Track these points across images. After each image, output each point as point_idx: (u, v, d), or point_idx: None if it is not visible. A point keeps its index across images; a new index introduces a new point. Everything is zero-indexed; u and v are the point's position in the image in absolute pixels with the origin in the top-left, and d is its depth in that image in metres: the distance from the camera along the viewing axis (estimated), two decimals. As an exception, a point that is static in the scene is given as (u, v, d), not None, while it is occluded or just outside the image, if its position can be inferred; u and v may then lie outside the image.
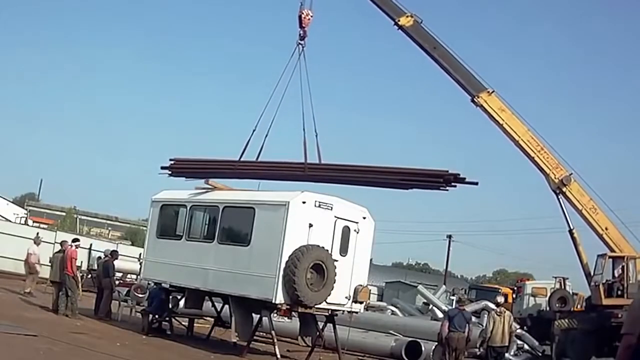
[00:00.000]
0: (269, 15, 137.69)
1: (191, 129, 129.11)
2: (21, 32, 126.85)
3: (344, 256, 14.58)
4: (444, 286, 33.79)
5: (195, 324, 17.72)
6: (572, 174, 23.45)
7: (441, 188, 15.60)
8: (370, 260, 16.15)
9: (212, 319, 17.55)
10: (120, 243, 40.01)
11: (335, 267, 14.02)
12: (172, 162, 19.09)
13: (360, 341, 17.46)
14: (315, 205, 14.10)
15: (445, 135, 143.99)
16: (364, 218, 15.14)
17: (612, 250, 23.06)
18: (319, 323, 15.06)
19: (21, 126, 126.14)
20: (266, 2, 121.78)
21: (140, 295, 18.66)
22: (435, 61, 24.09)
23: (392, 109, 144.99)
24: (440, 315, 22.49)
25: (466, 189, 15.94)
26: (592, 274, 23.33)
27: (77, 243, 18.39)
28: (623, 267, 22.63)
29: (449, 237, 57.04)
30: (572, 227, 23.58)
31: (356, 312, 15.05)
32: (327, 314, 14.77)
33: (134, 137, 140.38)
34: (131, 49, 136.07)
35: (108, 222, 78.65)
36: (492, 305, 23.73)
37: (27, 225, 43.43)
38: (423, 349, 17.10)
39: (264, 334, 15.84)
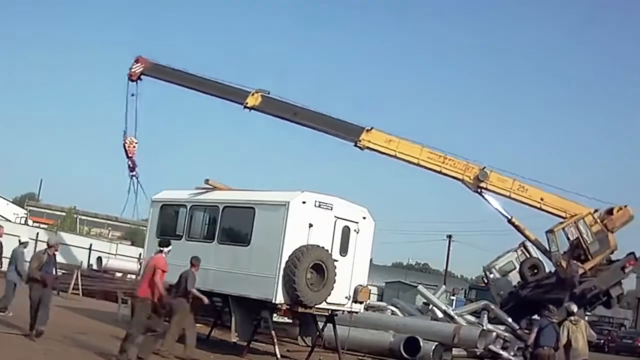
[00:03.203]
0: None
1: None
2: (21, 34, 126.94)
3: (344, 256, 14.60)
4: (444, 286, 33.70)
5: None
6: (484, 167, 23.05)
7: None
8: (370, 260, 16.14)
9: (212, 319, 17.54)
10: (120, 243, 40.04)
11: (335, 267, 14.04)
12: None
13: (358, 337, 17.44)
14: (315, 205, 14.11)
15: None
16: (364, 218, 15.15)
17: (559, 216, 22.67)
18: (319, 323, 15.07)
19: (21, 126, 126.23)
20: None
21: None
22: (302, 125, 23.19)
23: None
24: (440, 315, 22.43)
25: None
26: (549, 250, 22.85)
27: (168, 249, 12.07)
28: (574, 231, 22.17)
29: (449, 237, 57.06)
30: (510, 217, 23.36)
31: (356, 312, 15.07)
32: (327, 314, 14.78)
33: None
34: (133, 51, 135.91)
35: (108, 222, 78.55)
36: (492, 306, 23.70)
37: (27, 225, 43.46)
38: (421, 345, 17.14)
39: (264, 334, 15.84)
